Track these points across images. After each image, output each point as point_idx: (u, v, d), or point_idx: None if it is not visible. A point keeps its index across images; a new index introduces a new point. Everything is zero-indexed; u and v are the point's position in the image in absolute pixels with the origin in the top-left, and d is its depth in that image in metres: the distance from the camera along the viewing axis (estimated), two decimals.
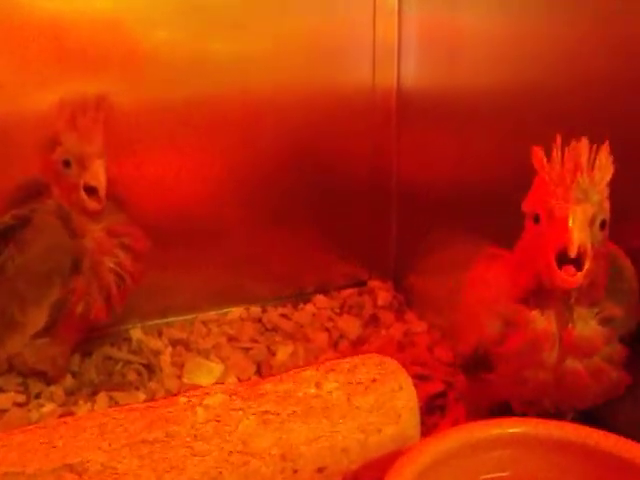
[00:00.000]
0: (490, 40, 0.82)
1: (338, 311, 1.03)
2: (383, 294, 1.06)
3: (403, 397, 0.61)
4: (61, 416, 0.80)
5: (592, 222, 0.55)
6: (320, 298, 1.05)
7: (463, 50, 0.87)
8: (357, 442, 0.59)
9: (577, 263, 0.54)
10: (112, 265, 0.79)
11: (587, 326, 0.58)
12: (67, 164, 0.75)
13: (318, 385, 0.60)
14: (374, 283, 1.09)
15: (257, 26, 0.93)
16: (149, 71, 0.89)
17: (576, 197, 0.54)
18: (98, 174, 0.74)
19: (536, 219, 0.57)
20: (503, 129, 0.81)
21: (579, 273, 0.54)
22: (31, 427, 0.58)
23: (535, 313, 0.59)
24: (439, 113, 0.94)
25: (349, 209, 1.06)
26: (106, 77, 0.86)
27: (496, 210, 0.81)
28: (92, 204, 0.76)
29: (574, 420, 0.66)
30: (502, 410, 0.67)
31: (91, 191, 0.76)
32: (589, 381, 0.59)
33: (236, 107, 0.95)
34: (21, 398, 0.83)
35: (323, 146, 1.01)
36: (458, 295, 0.70)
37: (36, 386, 0.84)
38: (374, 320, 1.01)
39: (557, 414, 0.63)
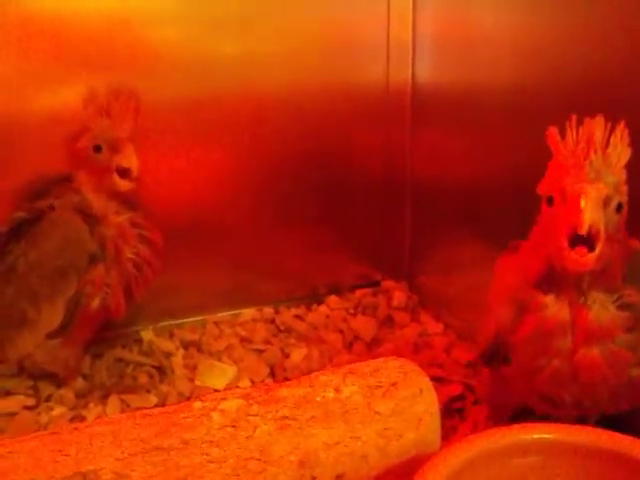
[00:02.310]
0: (505, 37, 0.82)
1: (352, 312, 1.02)
2: (398, 294, 1.05)
3: (424, 401, 0.60)
4: (72, 420, 0.79)
5: (607, 203, 0.54)
6: (334, 299, 1.04)
7: (477, 47, 0.87)
8: (377, 448, 0.57)
9: (589, 244, 0.53)
10: (132, 255, 0.80)
11: (605, 311, 0.57)
12: (98, 149, 0.77)
13: (337, 389, 0.59)
14: (388, 283, 1.08)
15: (268, 24, 0.93)
16: (157, 70, 0.88)
17: (589, 176, 0.53)
18: (131, 156, 0.77)
19: (550, 201, 0.56)
20: (518, 126, 0.80)
21: (591, 254, 0.53)
22: (42, 433, 0.56)
23: (548, 298, 0.58)
24: (453, 110, 0.93)
25: (362, 208, 1.05)
26: (113, 76, 0.85)
27: (511, 207, 0.80)
28: (125, 184, 0.78)
29: (598, 424, 0.65)
30: (524, 413, 0.66)
31: (123, 174, 0.78)
32: (606, 370, 0.57)
33: (247, 106, 0.94)
34: (31, 401, 0.82)
35: (336, 145, 1.00)
36: (473, 294, 0.69)
37: (46, 389, 0.83)
38: (389, 321, 1.00)
39: (581, 418, 0.62)
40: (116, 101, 0.77)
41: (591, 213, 0.52)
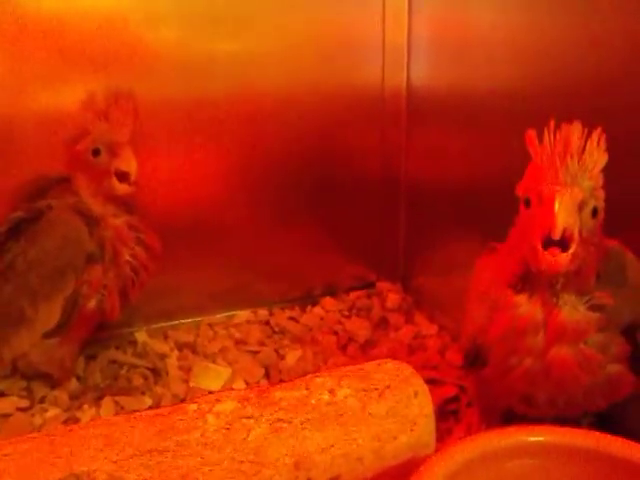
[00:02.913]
0: (500, 39, 0.81)
1: (347, 313, 1.02)
2: (392, 296, 1.05)
3: (418, 404, 0.60)
4: (66, 421, 0.79)
5: (582, 207, 0.54)
6: (328, 300, 1.04)
7: (473, 49, 0.86)
8: (372, 450, 0.57)
9: (563, 246, 0.54)
10: (129, 257, 0.80)
11: (575, 311, 0.58)
12: (97, 152, 0.77)
13: (332, 392, 0.59)
14: (383, 285, 1.08)
15: (265, 25, 0.92)
16: (155, 70, 0.88)
17: (564, 180, 0.54)
18: (130, 159, 0.77)
19: (527, 203, 0.57)
20: (513, 129, 0.79)
21: (563, 254, 0.54)
22: (36, 435, 0.56)
23: (520, 297, 0.59)
24: (449, 112, 0.93)
25: (357, 209, 1.05)
26: (112, 76, 0.85)
27: (506, 210, 0.80)
28: (123, 187, 0.78)
29: (590, 426, 0.65)
30: (516, 416, 0.66)
31: (121, 177, 0.78)
32: (577, 370, 0.58)
33: (243, 107, 0.94)
34: (24, 403, 0.82)
35: (332, 146, 1.00)
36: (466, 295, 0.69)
37: (40, 390, 0.83)
38: (383, 323, 0.99)
39: (571, 420, 0.62)
40: (115, 105, 0.77)
41: (565, 217, 0.53)
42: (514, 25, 0.79)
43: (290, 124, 0.96)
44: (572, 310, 0.58)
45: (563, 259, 0.54)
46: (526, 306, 0.58)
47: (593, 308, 0.58)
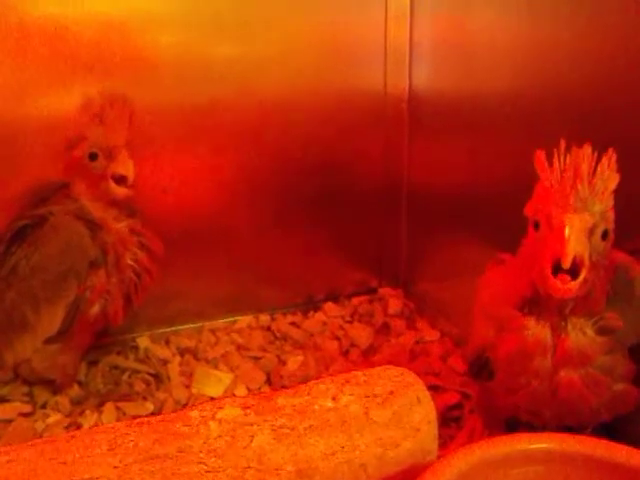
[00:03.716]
0: (502, 43, 0.81)
1: (349, 319, 1.02)
2: (394, 302, 1.04)
3: (421, 410, 0.60)
4: (67, 427, 0.79)
5: (592, 232, 0.54)
6: (330, 306, 1.04)
7: (475, 53, 0.87)
8: (375, 457, 0.57)
9: (573, 273, 0.53)
10: (131, 262, 0.80)
11: (583, 336, 0.57)
12: (93, 157, 0.77)
13: (334, 398, 0.58)
14: (384, 290, 1.08)
15: (267, 30, 0.92)
16: (156, 75, 0.88)
17: (574, 206, 0.53)
18: (126, 162, 0.77)
19: (536, 226, 0.56)
20: (515, 134, 0.80)
21: (573, 282, 0.53)
22: (39, 441, 0.56)
23: (529, 320, 0.59)
24: (451, 117, 0.93)
25: (359, 215, 1.05)
26: (113, 81, 0.85)
27: (508, 216, 0.79)
28: (121, 191, 0.78)
29: (594, 433, 0.65)
30: (515, 421, 0.66)
31: (119, 180, 0.77)
32: (585, 392, 0.58)
33: (245, 112, 0.94)
34: (27, 408, 0.82)
35: (333, 151, 1.00)
36: (469, 302, 0.69)
37: (42, 395, 0.83)
38: (385, 328, 0.99)
39: (575, 428, 0.62)
40: (110, 109, 0.77)
41: (575, 245, 0.52)
42: (516, 29, 0.79)
43: (291, 130, 0.96)
44: (580, 335, 0.57)
45: (573, 286, 0.54)
46: (534, 329, 0.58)
47: (602, 330, 0.58)
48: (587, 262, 0.53)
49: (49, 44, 0.83)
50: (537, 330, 0.58)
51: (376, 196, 1.05)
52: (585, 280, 0.54)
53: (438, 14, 0.94)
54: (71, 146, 0.78)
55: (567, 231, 0.52)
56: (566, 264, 0.52)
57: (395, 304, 1.04)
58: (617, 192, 0.55)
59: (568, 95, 0.71)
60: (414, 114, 1.01)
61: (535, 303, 0.58)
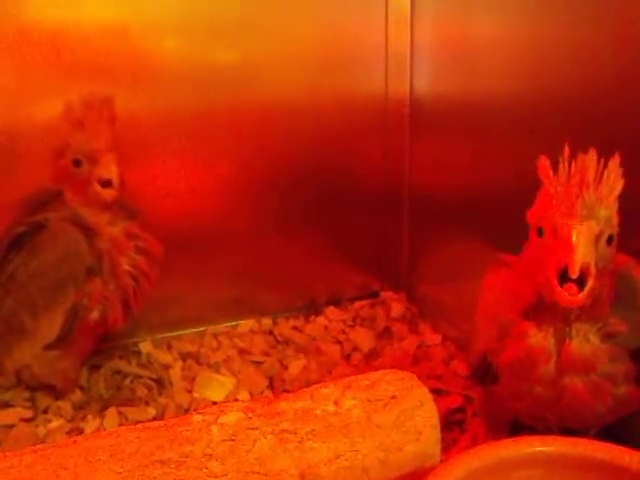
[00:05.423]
0: (503, 47, 0.81)
1: (351, 323, 1.02)
2: (396, 305, 1.04)
3: (424, 414, 0.60)
4: (69, 432, 0.79)
5: (598, 239, 0.53)
6: (332, 310, 1.04)
7: (476, 57, 0.86)
8: (377, 461, 0.57)
9: (579, 281, 0.52)
10: (128, 267, 0.80)
11: (587, 343, 0.57)
12: (78, 163, 0.76)
13: (337, 402, 0.58)
14: (386, 294, 1.08)
15: (267, 35, 0.92)
16: (156, 80, 0.88)
17: (581, 214, 0.52)
18: (109, 165, 0.75)
19: (540, 232, 0.55)
20: (516, 137, 0.80)
21: (581, 292, 0.53)
22: (40, 446, 0.56)
23: (533, 327, 0.58)
24: (452, 120, 0.93)
25: (361, 219, 1.05)
26: (113, 86, 0.85)
27: (510, 219, 0.79)
28: (108, 193, 0.76)
29: (597, 436, 0.65)
30: (523, 426, 0.66)
31: (105, 185, 0.76)
32: (588, 399, 0.58)
33: (246, 116, 0.94)
34: (28, 413, 0.82)
35: (335, 155, 1.00)
36: (472, 305, 0.69)
37: (44, 401, 0.83)
38: (387, 332, 0.99)
39: (577, 431, 0.62)
40: (90, 112, 0.76)
41: (582, 254, 0.51)
42: (517, 33, 0.79)
43: (293, 133, 0.96)
44: (584, 342, 0.57)
45: (581, 297, 0.53)
46: (538, 336, 0.58)
47: (606, 336, 0.57)
48: (593, 270, 0.52)
49: (49, 49, 0.83)
50: (541, 337, 0.57)
51: (378, 200, 1.05)
52: (592, 289, 0.53)
53: (439, 18, 0.94)
54: (58, 155, 0.77)
55: (574, 240, 0.51)
56: (574, 274, 0.51)
57: (397, 308, 1.04)
58: (619, 192, 0.55)
59: (569, 98, 0.71)
60: (415, 118, 1.01)
61: (539, 309, 0.58)
